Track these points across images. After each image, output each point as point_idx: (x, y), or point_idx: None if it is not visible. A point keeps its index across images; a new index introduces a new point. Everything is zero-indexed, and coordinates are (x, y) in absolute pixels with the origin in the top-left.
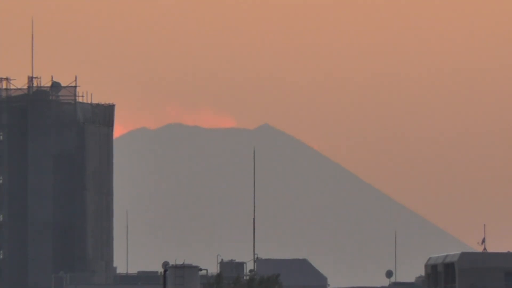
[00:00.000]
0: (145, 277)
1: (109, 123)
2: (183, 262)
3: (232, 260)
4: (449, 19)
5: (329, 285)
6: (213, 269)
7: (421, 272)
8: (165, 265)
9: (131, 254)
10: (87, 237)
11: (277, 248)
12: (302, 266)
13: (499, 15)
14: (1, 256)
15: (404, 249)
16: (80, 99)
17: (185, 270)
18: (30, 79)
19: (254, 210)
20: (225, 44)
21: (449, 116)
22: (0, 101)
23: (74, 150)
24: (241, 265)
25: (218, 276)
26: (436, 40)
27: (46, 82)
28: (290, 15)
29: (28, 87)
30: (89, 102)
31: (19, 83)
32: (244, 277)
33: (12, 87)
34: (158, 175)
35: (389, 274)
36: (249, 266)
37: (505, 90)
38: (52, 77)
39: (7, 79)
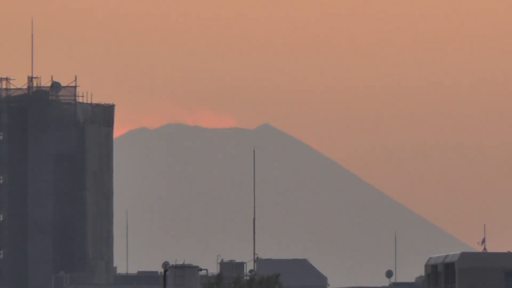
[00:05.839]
0: (145, 277)
1: (109, 123)
2: (183, 262)
3: (232, 260)
4: (452, 21)
5: (329, 285)
6: (213, 269)
7: (421, 272)
8: (165, 265)
9: (131, 254)
10: (87, 237)
11: (277, 248)
12: (302, 266)
13: (502, 18)
14: (1, 256)
15: (404, 249)
16: (80, 99)
17: (185, 270)
18: (30, 79)
19: (254, 210)
20: (225, 44)
21: (449, 116)
22: (0, 101)
23: (74, 150)
24: (241, 265)
25: (219, 276)
26: (436, 41)
27: (46, 82)
28: (290, 15)
29: (28, 87)
30: (89, 102)
31: (19, 83)
32: (244, 277)
33: (12, 87)
34: (158, 175)
35: (389, 274)
36: (249, 266)
37: (504, 91)
38: (52, 77)
39: (7, 79)
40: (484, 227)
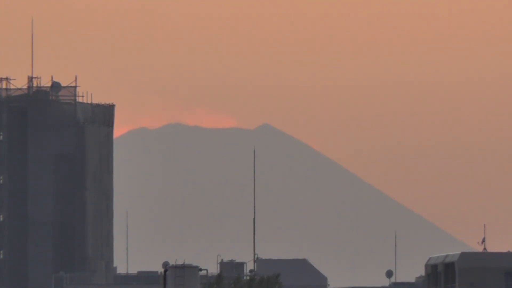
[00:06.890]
0: (145, 277)
1: (109, 123)
2: (183, 262)
3: (232, 260)
4: (452, 21)
5: (329, 285)
6: (213, 269)
7: (421, 272)
8: (165, 265)
9: (131, 254)
10: (87, 237)
11: (277, 248)
12: (302, 266)
13: (502, 18)
14: (1, 256)
15: (404, 249)
16: (80, 99)
17: (185, 270)
18: (30, 79)
19: (254, 210)
20: (225, 44)
21: (449, 116)
22: (0, 101)
23: (74, 150)
24: (241, 265)
25: (219, 276)
26: (436, 41)
27: (46, 82)
28: (290, 15)
29: (28, 87)
30: (89, 102)
31: (19, 83)
32: (244, 277)
33: (12, 87)
34: (158, 175)
35: (389, 274)
36: (249, 266)
37: (504, 91)
38: (52, 77)
39: (7, 79)
40: (484, 227)
